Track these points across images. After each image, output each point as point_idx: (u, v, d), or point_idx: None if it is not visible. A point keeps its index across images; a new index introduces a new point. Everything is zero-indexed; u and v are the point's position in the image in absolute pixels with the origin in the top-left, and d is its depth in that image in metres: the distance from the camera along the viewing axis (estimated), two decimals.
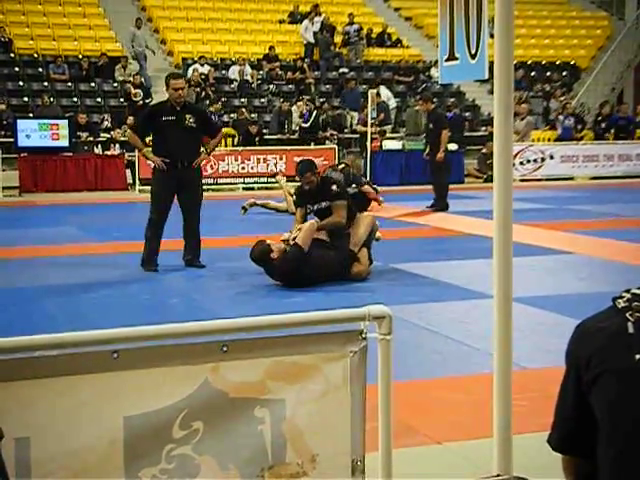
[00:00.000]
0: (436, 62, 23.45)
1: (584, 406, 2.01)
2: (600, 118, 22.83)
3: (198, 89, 21.40)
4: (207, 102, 20.90)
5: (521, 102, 22.39)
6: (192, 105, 9.59)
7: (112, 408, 2.28)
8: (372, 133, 19.15)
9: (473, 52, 2.66)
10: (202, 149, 9.46)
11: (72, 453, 2.24)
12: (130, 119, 17.81)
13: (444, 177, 15.08)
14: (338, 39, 25.58)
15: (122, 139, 18.03)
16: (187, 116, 9.15)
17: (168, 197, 9.13)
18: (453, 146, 20.72)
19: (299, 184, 8.93)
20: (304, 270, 8.14)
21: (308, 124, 20.67)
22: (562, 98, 23.86)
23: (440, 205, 15.04)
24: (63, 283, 8.61)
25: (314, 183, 8.62)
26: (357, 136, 21.27)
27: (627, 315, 1.93)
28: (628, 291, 1.98)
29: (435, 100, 16.23)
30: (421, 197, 16.27)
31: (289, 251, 8.17)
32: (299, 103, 21.28)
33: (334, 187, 8.64)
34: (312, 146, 20.02)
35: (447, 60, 2.79)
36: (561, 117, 22.60)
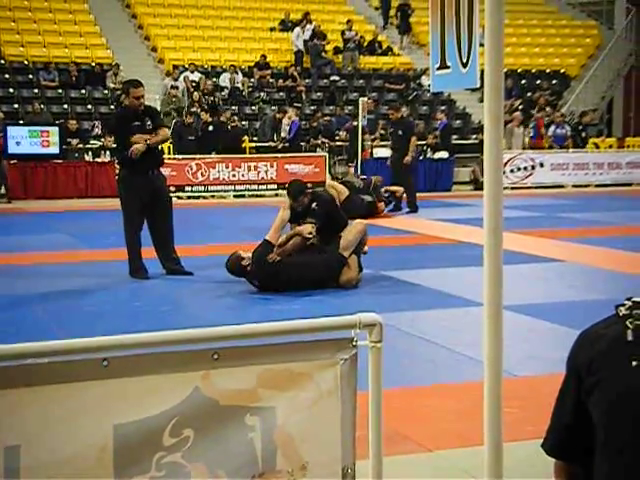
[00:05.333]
0: (427, 70, 23.51)
1: (582, 412, 2.02)
2: (581, 127, 22.94)
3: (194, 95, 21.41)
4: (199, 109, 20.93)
5: (512, 110, 22.48)
6: (147, 107, 9.48)
7: (102, 416, 2.28)
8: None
9: (464, 61, 2.66)
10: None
11: (62, 461, 2.23)
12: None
13: (412, 180, 16.23)
14: (330, 47, 25.62)
15: (113, 146, 18.00)
16: (146, 119, 9.11)
17: (142, 205, 9.02)
18: (444, 154, 20.83)
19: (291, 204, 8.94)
20: (283, 274, 8.22)
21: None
22: (548, 108, 23.94)
23: (413, 207, 15.94)
24: (53, 290, 8.59)
25: (305, 204, 8.76)
26: (348, 144, 21.31)
27: (627, 323, 1.94)
28: (630, 299, 2.00)
29: (405, 109, 17.39)
30: None
31: (256, 249, 8.27)
32: (290, 111, 21.19)
33: (313, 205, 8.76)
34: (303, 154, 20.03)
35: (439, 69, 2.79)
36: (552, 126, 22.66)
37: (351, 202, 14.07)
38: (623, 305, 1.99)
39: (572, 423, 2.05)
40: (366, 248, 9.26)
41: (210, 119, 19.99)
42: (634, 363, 1.90)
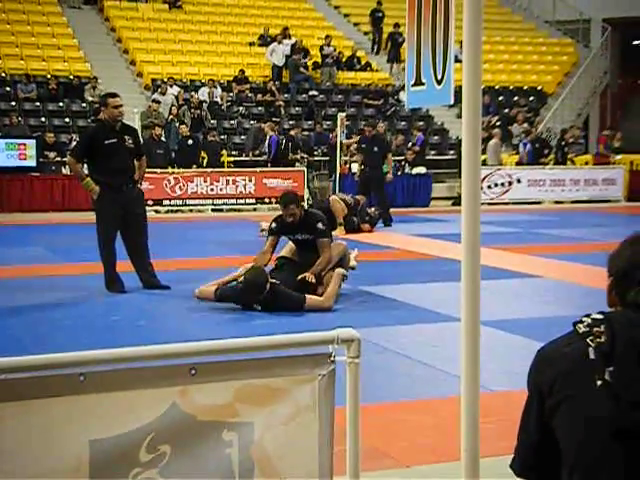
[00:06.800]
0: (405, 86, 23.59)
1: (547, 431, 2.02)
2: (564, 143, 23.10)
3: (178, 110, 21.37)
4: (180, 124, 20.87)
5: (489, 127, 22.61)
6: (127, 125, 9.55)
7: (78, 431, 2.26)
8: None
9: (439, 78, 2.68)
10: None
11: (37, 477, 2.21)
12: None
13: (385, 194, 16.60)
14: (309, 62, 25.68)
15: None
16: (126, 137, 9.11)
17: (116, 219, 9.01)
18: (421, 169, 20.93)
19: (280, 214, 8.71)
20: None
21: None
22: (525, 124, 24.10)
23: (388, 221, 16.10)
24: (29, 304, 8.52)
25: (297, 216, 8.48)
26: (327, 159, 21.33)
27: (588, 340, 1.94)
28: (588, 316, 2.00)
29: (381, 125, 17.72)
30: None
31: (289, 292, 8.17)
32: (265, 126, 21.09)
33: (320, 225, 8.52)
34: (281, 168, 20.03)
35: (414, 85, 2.81)
36: (524, 142, 22.80)
37: (347, 221, 14.37)
38: (581, 322, 1.99)
39: (537, 442, 2.06)
40: (353, 263, 9.22)
41: (188, 133, 19.94)
42: (599, 382, 1.90)
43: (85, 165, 9.43)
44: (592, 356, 1.92)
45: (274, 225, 8.73)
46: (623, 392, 1.88)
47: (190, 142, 19.75)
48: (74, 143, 19.98)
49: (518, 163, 22.33)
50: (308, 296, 8.18)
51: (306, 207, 8.87)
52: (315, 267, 8.40)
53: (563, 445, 1.98)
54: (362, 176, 16.40)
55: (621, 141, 23.95)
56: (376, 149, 16.03)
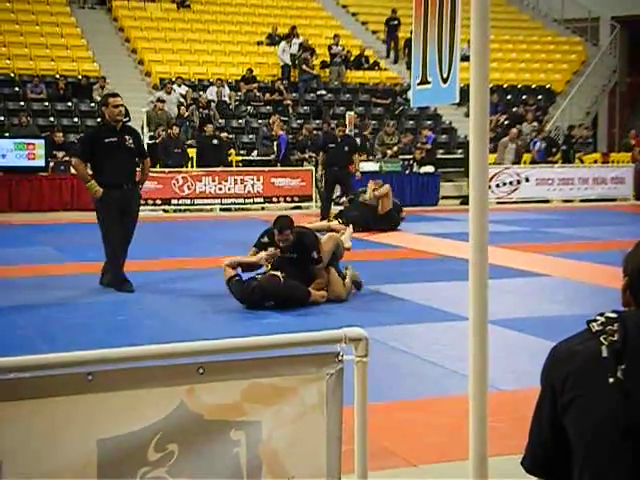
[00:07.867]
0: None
1: (559, 429, 2.01)
2: (573, 141, 23.04)
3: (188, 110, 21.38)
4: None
5: (497, 126, 22.55)
6: (129, 126, 9.63)
7: (86, 431, 2.26)
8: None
9: (445, 76, 2.68)
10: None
11: (45, 476, 2.21)
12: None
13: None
14: (317, 61, 25.69)
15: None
16: (127, 137, 9.17)
17: (118, 218, 9.06)
18: (430, 168, 20.90)
19: (271, 233, 8.49)
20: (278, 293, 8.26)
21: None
22: (535, 123, 24.06)
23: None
24: (38, 303, 8.54)
25: (289, 241, 8.35)
26: None
27: (601, 339, 1.94)
28: (602, 314, 2.00)
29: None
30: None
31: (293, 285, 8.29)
32: (275, 123, 21.05)
33: (314, 254, 8.45)
34: (289, 167, 20.02)
35: (419, 84, 2.81)
36: (535, 140, 22.77)
37: (392, 212, 15.09)
38: (595, 321, 1.99)
39: (549, 440, 2.05)
40: (348, 244, 9.35)
41: (212, 133, 19.77)
42: (611, 380, 1.90)
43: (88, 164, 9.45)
44: (605, 354, 1.92)
45: (266, 240, 8.54)
46: (634, 390, 1.88)
47: (215, 142, 19.62)
48: (76, 144, 20.08)
49: (531, 162, 22.28)
50: (311, 290, 8.42)
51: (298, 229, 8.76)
52: (314, 287, 8.51)
53: (574, 443, 1.98)
54: (329, 175, 16.58)
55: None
56: (346, 149, 16.42)
